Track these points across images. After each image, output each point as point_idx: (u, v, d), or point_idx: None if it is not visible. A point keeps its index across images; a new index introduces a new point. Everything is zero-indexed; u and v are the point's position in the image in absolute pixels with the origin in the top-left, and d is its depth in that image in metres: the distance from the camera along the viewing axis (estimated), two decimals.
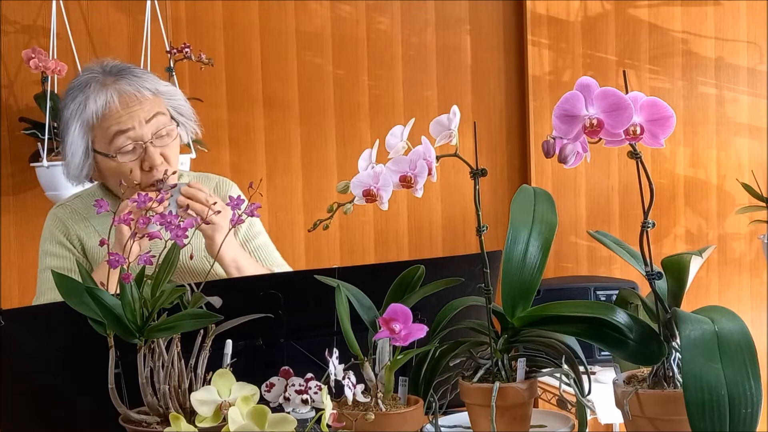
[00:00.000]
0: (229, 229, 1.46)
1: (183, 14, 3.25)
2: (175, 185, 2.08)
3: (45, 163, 3.00)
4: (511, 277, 1.36)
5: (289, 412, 1.28)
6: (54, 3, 3.08)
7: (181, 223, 1.31)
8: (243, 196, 2.33)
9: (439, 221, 3.45)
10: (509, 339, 1.38)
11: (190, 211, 2.03)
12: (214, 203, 2.03)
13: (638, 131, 1.21)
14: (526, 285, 1.36)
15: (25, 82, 3.15)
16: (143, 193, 1.41)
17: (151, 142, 2.11)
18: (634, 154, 1.23)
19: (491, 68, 3.47)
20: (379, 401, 1.30)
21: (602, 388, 2.42)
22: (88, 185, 2.33)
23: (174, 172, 2.12)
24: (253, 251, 2.30)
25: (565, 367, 1.34)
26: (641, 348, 1.27)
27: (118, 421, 1.31)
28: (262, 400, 1.28)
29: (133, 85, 2.12)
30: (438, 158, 1.35)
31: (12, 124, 3.14)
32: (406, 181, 1.33)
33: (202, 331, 1.34)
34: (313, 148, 3.35)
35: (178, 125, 2.21)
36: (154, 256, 1.32)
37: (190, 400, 1.25)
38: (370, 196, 1.33)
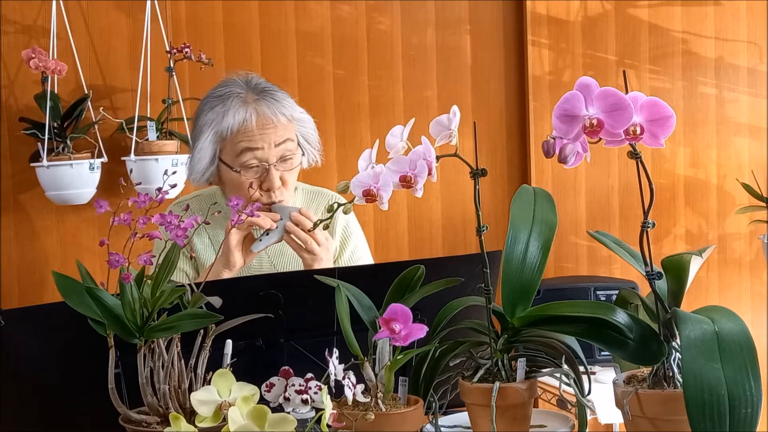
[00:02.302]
0: (229, 230, 1.46)
1: (183, 14, 3.25)
2: (283, 206, 2.18)
3: (45, 163, 3.00)
4: (511, 277, 1.36)
5: (289, 412, 1.28)
6: (54, 3, 3.08)
7: (182, 223, 1.31)
8: (353, 214, 2.37)
9: (439, 221, 3.45)
10: (509, 339, 1.38)
11: (293, 237, 2.12)
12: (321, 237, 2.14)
13: (638, 131, 1.21)
14: (526, 285, 1.36)
15: (25, 82, 3.15)
16: (143, 194, 1.41)
17: (275, 165, 2.18)
18: (634, 154, 1.23)
19: (491, 68, 3.47)
20: (379, 401, 1.30)
21: (602, 388, 2.42)
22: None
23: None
24: None
25: (565, 367, 1.34)
26: (641, 348, 1.27)
27: (118, 421, 1.31)
28: (262, 400, 1.28)
29: (272, 109, 2.19)
30: (438, 158, 1.35)
31: (12, 124, 3.14)
32: (406, 181, 1.33)
33: (202, 331, 1.34)
34: None
35: (303, 152, 2.27)
36: (154, 256, 1.32)
37: (190, 400, 1.25)
38: (370, 196, 1.33)
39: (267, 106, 2.19)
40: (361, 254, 2.37)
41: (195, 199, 2.36)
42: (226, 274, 2.11)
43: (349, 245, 2.35)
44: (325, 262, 2.15)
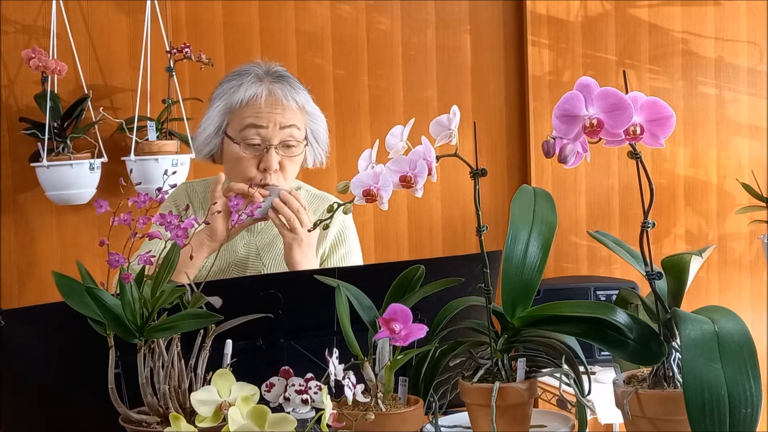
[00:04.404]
0: (230, 228, 1.47)
1: (183, 14, 3.25)
2: (275, 186, 2.18)
3: (45, 163, 3.00)
4: (511, 277, 1.36)
5: (289, 412, 1.28)
6: (54, 3, 3.08)
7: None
8: (351, 218, 2.36)
9: (439, 221, 3.45)
10: (509, 339, 1.38)
11: (280, 216, 2.13)
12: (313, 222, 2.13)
13: (638, 131, 1.21)
14: (526, 285, 1.36)
15: (25, 82, 3.15)
16: (143, 193, 1.41)
17: (275, 147, 2.20)
18: (634, 154, 1.23)
19: (491, 68, 3.47)
20: (379, 401, 1.30)
21: (602, 388, 2.42)
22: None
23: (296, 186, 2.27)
24: None
25: (565, 367, 1.34)
26: (641, 348, 1.27)
27: (118, 421, 1.31)
28: (262, 400, 1.28)
29: (285, 92, 2.23)
30: (438, 158, 1.35)
31: (12, 124, 3.14)
32: (406, 181, 1.33)
33: (202, 331, 1.34)
34: None
35: (306, 145, 2.28)
36: (154, 256, 1.32)
37: (190, 400, 1.25)
38: (370, 196, 1.33)
39: (280, 88, 2.23)
40: (353, 261, 2.36)
41: (202, 183, 2.39)
42: (208, 243, 2.13)
43: (341, 248, 2.34)
44: (305, 245, 2.14)
